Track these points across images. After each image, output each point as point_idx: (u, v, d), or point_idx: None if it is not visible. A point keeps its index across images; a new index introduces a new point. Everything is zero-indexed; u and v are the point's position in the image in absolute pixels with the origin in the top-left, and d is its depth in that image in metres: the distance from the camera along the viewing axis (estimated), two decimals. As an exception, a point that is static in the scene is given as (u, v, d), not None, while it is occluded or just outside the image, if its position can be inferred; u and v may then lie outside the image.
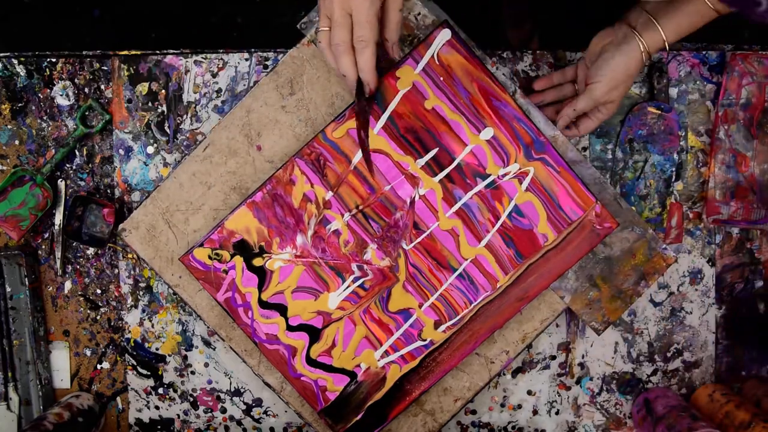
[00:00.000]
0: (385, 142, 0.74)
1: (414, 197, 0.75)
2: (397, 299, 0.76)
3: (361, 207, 0.75)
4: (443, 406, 0.79)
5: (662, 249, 0.76)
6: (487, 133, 0.74)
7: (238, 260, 0.75)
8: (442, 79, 0.73)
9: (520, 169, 0.74)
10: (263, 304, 0.76)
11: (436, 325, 0.76)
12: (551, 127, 0.75)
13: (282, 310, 0.76)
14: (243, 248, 0.75)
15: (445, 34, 0.72)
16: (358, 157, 0.74)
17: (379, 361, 0.76)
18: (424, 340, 0.76)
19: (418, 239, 0.75)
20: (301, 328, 0.76)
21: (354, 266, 0.76)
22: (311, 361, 0.76)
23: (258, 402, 0.82)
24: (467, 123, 0.74)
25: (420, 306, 0.75)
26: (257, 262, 0.75)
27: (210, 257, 0.75)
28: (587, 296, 0.77)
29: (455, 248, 0.75)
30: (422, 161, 0.74)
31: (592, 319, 0.77)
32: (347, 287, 0.76)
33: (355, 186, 0.75)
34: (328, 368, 0.76)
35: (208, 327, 0.80)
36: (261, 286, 0.75)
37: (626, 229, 0.76)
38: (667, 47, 0.67)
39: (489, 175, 0.74)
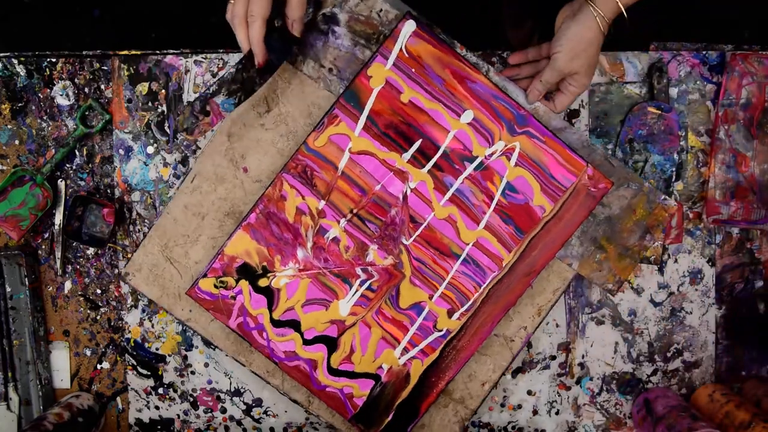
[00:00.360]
0: (368, 142, 0.74)
1: (406, 192, 0.75)
2: (407, 295, 0.76)
3: (355, 210, 0.75)
4: (471, 392, 0.79)
5: (662, 200, 0.76)
6: (468, 116, 0.74)
7: (244, 284, 0.75)
8: (414, 70, 0.74)
9: (505, 145, 0.74)
10: (276, 323, 0.76)
11: (450, 313, 0.76)
12: None
13: (295, 325, 0.76)
14: (246, 271, 0.75)
15: (410, 26, 0.73)
16: (344, 162, 0.74)
17: (399, 359, 0.76)
18: (441, 331, 0.76)
19: (417, 232, 0.75)
20: (318, 340, 0.76)
21: (358, 270, 0.76)
22: (333, 371, 0.76)
23: (258, 402, 0.82)
24: (446, 109, 0.74)
25: (430, 298, 0.76)
26: (263, 282, 0.75)
27: (216, 286, 0.75)
28: (595, 259, 0.77)
29: (455, 235, 0.75)
30: (408, 155, 0.74)
31: (603, 281, 0.77)
32: (355, 292, 0.76)
33: (346, 191, 0.75)
34: (352, 375, 0.76)
35: (226, 354, 0.80)
36: (271, 306, 0.76)
37: (622, 187, 0.76)
38: (624, 12, 0.67)
39: (476, 157, 0.74)
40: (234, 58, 0.79)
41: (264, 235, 0.75)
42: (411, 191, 0.75)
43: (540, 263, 0.75)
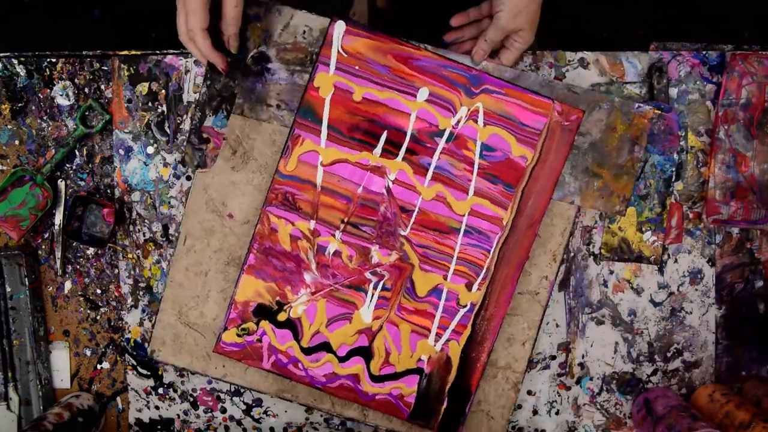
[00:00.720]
0: (336, 150, 0.75)
1: (388, 186, 0.75)
2: (422, 283, 0.76)
3: (346, 219, 0.75)
4: (515, 355, 0.78)
5: (636, 109, 0.76)
6: (423, 93, 0.74)
7: (265, 324, 0.76)
8: (357, 67, 0.74)
9: (468, 110, 0.74)
10: (307, 351, 0.76)
11: (468, 287, 0.76)
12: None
13: (326, 347, 0.76)
14: (263, 311, 0.76)
15: (340, 26, 0.73)
16: (320, 177, 0.75)
17: (435, 345, 0.76)
18: (465, 306, 0.76)
19: (412, 220, 0.76)
20: (351, 353, 0.76)
21: (368, 274, 0.76)
22: (376, 378, 0.77)
23: (258, 402, 0.82)
24: (401, 94, 0.74)
25: (445, 278, 0.76)
26: (281, 317, 0.76)
27: (238, 335, 0.76)
28: (593, 188, 0.77)
29: (449, 210, 0.75)
30: (378, 150, 0.75)
31: (609, 205, 0.77)
32: (372, 296, 0.76)
33: (331, 203, 0.75)
34: (395, 376, 0.77)
35: (271, 396, 0.81)
36: (297, 336, 0.76)
37: (594, 111, 0.76)
38: None
39: (444, 130, 0.75)
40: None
41: (268, 272, 0.76)
42: (393, 183, 0.75)
43: (539, 211, 0.75)
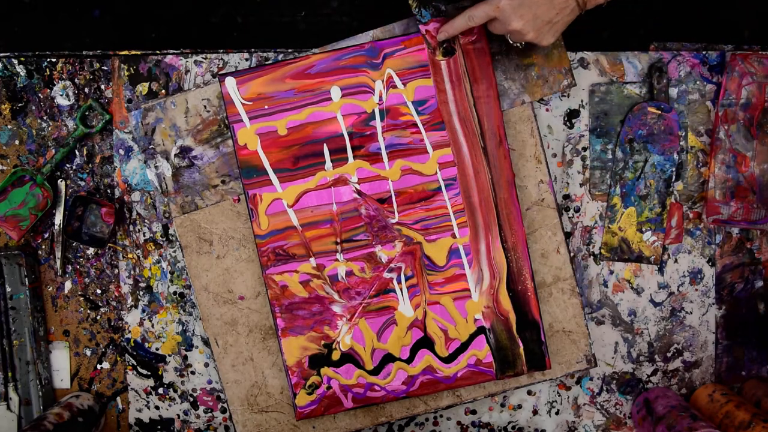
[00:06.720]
0: (294, 187, 0.76)
1: (356, 189, 0.76)
2: (436, 253, 0.76)
3: (339, 240, 0.76)
4: (556, 264, 0.79)
5: None
6: (336, 92, 0.75)
7: (326, 370, 0.77)
8: (267, 107, 0.75)
9: (383, 80, 0.75)
10: (375, 371, 0.77)
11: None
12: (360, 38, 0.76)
13: (389, 358, 0.77)
14: (317, 361, 0.77)
15: (230, 82, 0.75)
16: (294, 218, 0.76)
17: (480, 299, 0.77)
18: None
19: (395, 206, 0.76)
20: (414, 350, 0.77)
21: (386, 275, 0.77)
22: (448, 359, 0.77)
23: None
24: (317, 105, 0.75)
25: (454, 236, 0.76)
26: (335, 356, 0.77)
27: (308, 393, 0.77)
28: (533, 78, 0.77)
29: (420, 177, 0.76)
30: (329, 164, 0.76)
31: (557, 84, 0.77)
32: (401, 291, 0.77)
33: (317, 234, 0.76)
34: (463, 347, 0.77)
35: (370, 428, 0.82)
36: (359, 364, 0.77)
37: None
38: None
39: (373, 111, 0.75)
40: (234, 59, 0.79)
41: (301, 325, 0.77)
42: (359, 184, 0.76)
43: (498, 127, 0.75)
